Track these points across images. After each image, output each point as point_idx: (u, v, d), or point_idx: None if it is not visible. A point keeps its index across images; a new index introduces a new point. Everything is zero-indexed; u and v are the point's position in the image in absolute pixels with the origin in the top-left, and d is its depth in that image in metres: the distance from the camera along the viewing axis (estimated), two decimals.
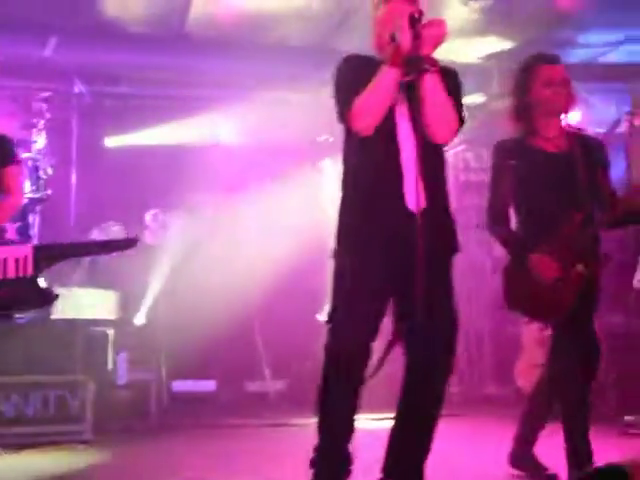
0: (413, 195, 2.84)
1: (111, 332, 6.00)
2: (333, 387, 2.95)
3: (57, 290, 4.03)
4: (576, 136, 3.61)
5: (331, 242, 3.07)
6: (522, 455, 3.79)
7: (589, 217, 3.45)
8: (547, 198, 3.50)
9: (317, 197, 7.62)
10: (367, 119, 2.89)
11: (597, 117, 6.46)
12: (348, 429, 2.96)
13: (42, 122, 6.18)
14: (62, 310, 5.80)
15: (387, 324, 3.02)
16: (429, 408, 2.99)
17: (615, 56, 6.92)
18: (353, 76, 2.96)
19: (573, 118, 6.37)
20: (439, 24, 2.90)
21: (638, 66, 7.11)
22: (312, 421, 3.05)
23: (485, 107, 7.85)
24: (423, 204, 2.82)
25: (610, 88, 7.23)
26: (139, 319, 6.98)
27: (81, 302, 6.14)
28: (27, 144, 6.06)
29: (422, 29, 2.81)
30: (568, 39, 6.61)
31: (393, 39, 2.87)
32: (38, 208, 6.01)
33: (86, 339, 5.70)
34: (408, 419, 3.00)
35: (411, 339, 2.92)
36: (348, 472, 2.96)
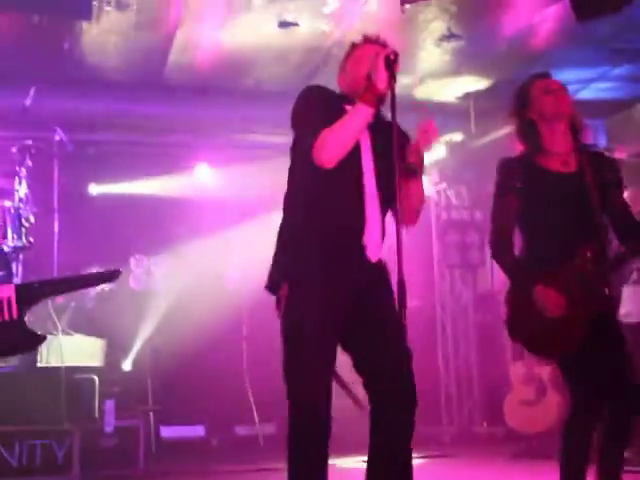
0: (373, 244, 2.91)
1: (97, 379, 5.96)
2: (302, 436, 2.86)
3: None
4: (586, 153, 3.41)
5: None
6: None
7: (602, 250, 3.27)
8: (556, 222, 3.30)
9: None
10: (336, 153, 2.87)
11: None
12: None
13: (24, 170, 6.20)
14: (47, 358, 5.77)
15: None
16: (399, 447, 2.89)
17: (588, 93, 7.05)
18: (320, 107, 2.97)
19: None
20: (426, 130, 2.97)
21: (610, 102, 7.25)
22: None
23: (464, 145, 7.97)
24: (378, 254, 2.92)
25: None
26: (126, 365, 6.95)
27: (66, 349, 6.10)
28: (9, 192, 6.08)
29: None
30: None
31: (369, 78, 2.92)
32: (21, 256, 6.01)
33: (72, 387, 5.66)
34: (379, 461, 2.91)
35: (373, 389, 2.89)
36: None
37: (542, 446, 6.53)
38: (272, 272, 2.99)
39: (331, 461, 2.87)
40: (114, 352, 6.73)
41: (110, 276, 3.43)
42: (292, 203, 3.03)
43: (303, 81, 6.65)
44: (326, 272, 2.87)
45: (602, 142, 7.25)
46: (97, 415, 5.86)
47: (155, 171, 7.97)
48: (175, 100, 7.15)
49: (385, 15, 5.58)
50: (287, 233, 2.99)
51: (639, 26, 5.50)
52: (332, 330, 2.87)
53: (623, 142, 6.38)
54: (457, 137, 8.00)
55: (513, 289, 3.39)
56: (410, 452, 2.87)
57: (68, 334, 6.35)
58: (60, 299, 6.50)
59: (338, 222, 2.92)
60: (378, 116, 3.02)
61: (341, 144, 2.88)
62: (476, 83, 6.96)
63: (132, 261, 7.87)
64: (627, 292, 5.54)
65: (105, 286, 6.67)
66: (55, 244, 7.23)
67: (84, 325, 6.62)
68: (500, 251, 3.39)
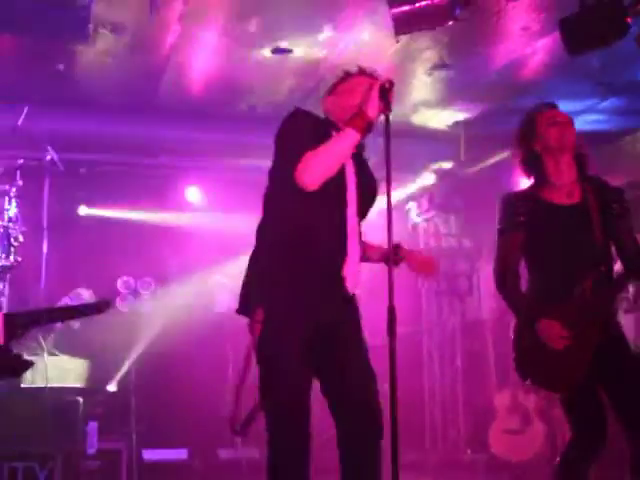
0: (351, 277, 2.92)
1: (81, 400, 5.92)
2: (284, 454, 2.87)
3: (27, 358, 3.99)
4: (590, 183, 3.41)
5: None
6: None
7: (604, 277, 3.27)
8: (561, 254, 3.31)
9: None
10: (320, 175, 2.83)
11: None
12: None
13: (14, 190, 6.20)
14: (32, 378, 5.73)
15: None
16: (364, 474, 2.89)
17: (576, 125, 7.10)
18: (305, 132, 2.94)
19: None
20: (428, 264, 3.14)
21: (598, 134, 7.33)
22: None
23: (453, 173, 8.03)
24: (355, 287, 2.94)
25: None
26: (110, 386, 6.91)
27: (51, 370, 6.07)
28: None
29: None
30: (529, 108, 6.80)
31: (361, 107, 2.93)
32: (8, 276, 5.99)
33: (55, 408, 5.61)
34: None
35: (337, 415, 2.91)
36: None
37: (526, 475, 6.54)
38: (246, 295, 2.95)
39: None
40: (99, 373, 6.69)
41: (102, 307, 3.42)
42: (271, 230, 2.98)
43: (296, 106, 6.71)
44: (307, 303, 2.85)
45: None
46: (80, 437, 5.82)
47: (146, 193, 7.98)
48: (168, 123, 7.18)
49: (379, 43, 5.63)
50: (266, 259, 2.93)
51: (627, 60, 5.58)
52: (308, 360, 2.86)
53: (611, 174, 6.42)
54: (447, 165, 8.07)
55: (519, 325, 3.38)
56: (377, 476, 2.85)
57: (53, 355, 6.32)
58: None
59: (320, 253, 2.89)
60: (361, 147, 3.05)
61: (325, 167, 2.85)
62: (466, 112, 7.03)
63: (119, 282, 7.86)
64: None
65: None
66: (43, 264, 7.22)
67: (70, 346, 6.58)
68: (506, 286, 3.41)
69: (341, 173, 2.92)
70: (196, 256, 8.09)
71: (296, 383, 2.84)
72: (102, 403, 6.43)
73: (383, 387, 2.84)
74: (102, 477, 5.88)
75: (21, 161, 6.38)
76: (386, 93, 2.90)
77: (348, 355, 2.92)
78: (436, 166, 8.14)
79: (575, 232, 3.32)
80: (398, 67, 6.03)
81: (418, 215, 8.50)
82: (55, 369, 6.14)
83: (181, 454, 7.08)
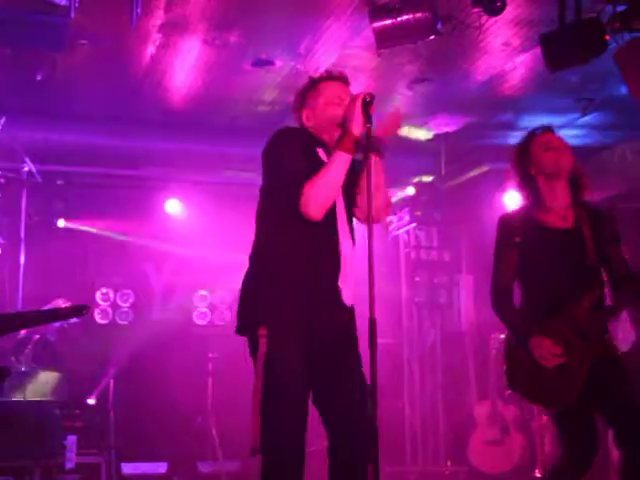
0: (347, 288, 2.92)
1: (60, 414, 5.86)
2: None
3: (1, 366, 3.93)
4: (584, 209, 3.47)
5: None
6: None
7: (599, 299, 3.34)
8: (554, 277, 3.37)
9: None
10: (323, 205, 2.86)
11: None
12: None
13: None
14: (9, 392, 5.66)
15: None
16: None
17: None
18: (296, 154, 2.93)
19: (515, 201, 6.54)
20: (395, 117, 3.01)
21: (578, 149, 7.37)
22: None
23: (434, 186, 8.06)
24: (352, 297, 2.94)
25: None
26: (89, 400, 6.84)
27: (29, 383, 6.00)
28: None
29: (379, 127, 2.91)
30: (509, 122, 6.86)
31: (343, 124, 2.93)
32: None
33: (34, 422, 5.55)
34: None
35: (333, 431, 2.91)
36: None
37: None
38: (245, 314, 2.94)
39: None
40: (78, 387, 6.63)
41: (78, 311, 3.39)
42: (267, 247, 2.98)
43: (277, 119, 6.71)
44: (307, 319, 2.86)
45: None
46: (58, 451, 5.76)
47: (125, 205, 7.93)
48: (147, 134, 7.14)
49: (360, 57, 5.65)
50: (263, 275, 2.93)
51: (606, 77, 5.63)
52: (308, 377, 2.87)
53: (590, 189, 6.48)
54: (427, 178, 8.10)
55: (512, 341, 3.42)
56: None
57: (31, 368, 6.25)
58: (23, 332, 6.41)
59: (316, 266, 2.90)
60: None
61: (327, 196, 2.88)
62: (447, 126, 7.06)
63: (98, 294, 7.81)
64: None
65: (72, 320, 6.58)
66: (21, 275, 7.16)
67: (47, 359, 6.52)
68: (501, 304, 3.45)
69: None
70: (176, 269, 8.05)
71: (299, 404, 2.84)
72: (81, 417, 6.37)
73: None
74: None
75: None
76: (367, 106, 2.89)
77: (343, 378, 2.91)
78: (417, 179, 8.17)
79: (570, 255, 3.38)
80: (379, 81, 6.05)
81: (399, 228, 8.52)
82: (33, 382, 6.07)
83: (160, 468, 7.03)
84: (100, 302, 7.80)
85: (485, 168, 7.47)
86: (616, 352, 3.41)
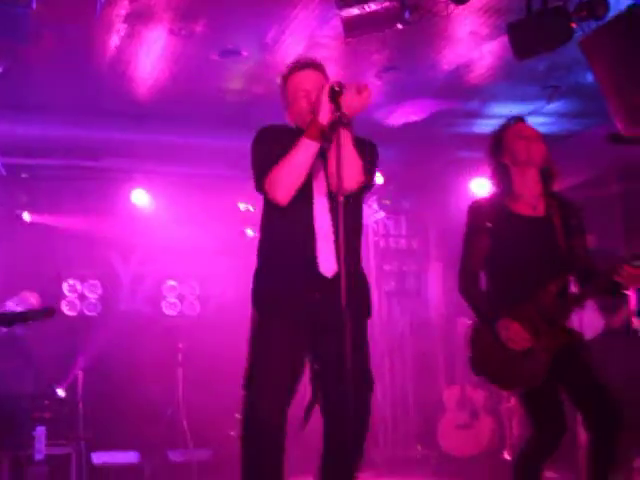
0: (326, 260, 2.95)
1: (28, 405, 5.82)
2: (255, 457, 2.90)
3: None
4: (554, 199, 3.54)
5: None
6: None
7: (566, 286, 3.41)
8: (523, 264, 3.42)
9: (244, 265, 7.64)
10: (283, 189, 2.93)
11: None
12: None
13: None
14: None
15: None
16: (348, 469, 3.00)
17: None
18: (269, 147, 3.02)
19: (482, 188, 6.61)
20: (364, 91, 2.99)
21: (544, 137, 7.46)
22: None
23: (403, 175, 8.08)
24: (335, 268, 2.93)
25: None
26: (58, 391, 6.80)
27: None
28: None
29: (344, 98, 2.90)
30: (476, 110, 6.90)
31: (312, 112, 2.96)
32: None
33: (2, 413, 5.52)
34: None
35: (327, 400, 2.98)
36: None
37: (474, 469, 6.65)
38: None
39: None
40: (46, 378, 6.59)
41: (45, 314, 3.43)
42: (260, 233, 3.17)
43: (244, 109, 6.68)
44: (288, 294, 2.97)
45: None
46: (28, 442, 5.72)
47: (91, 196, 7.86)
48: (112, 125, 7.06)
49: (328, 46, 5.64)
50: (257, 258, 3.13)
51: (572, 65, 5.69)
52: (301, 344, 2.96)
53: (556, 176, 6.57)
54: (396, 166, 8.11)
55: (478, 324, 3.48)
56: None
57: None
58: None
59: (290, 242, 3.00)
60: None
61: (291, 182, 2.94)
62: (415, 114, 7.08)
63: (65, 286, 7.75)
64: None
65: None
66: None
67: (15, 351, 6.47)
68: (468, 287, 3.51)
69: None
70: (144, 259, 8.01)
71: (280, 366, 2.92)
72: (50, 408, 6.33)
73: None
74: None
75: None
76: (336, 96, 2.91)
77: (328, 359, 2.95)
78: (385, 168, 8.18)
79: (540, 243, 3.44)
80: (347, 70, 6.05)
81: (367, 216, 8.55)
82: (1, 375, 6.02)
83: (132, 457, 7.02)
84: (67, 293, 7.74)
85: (452, 156, 7.51)
86: (582, 338, 3.49)
